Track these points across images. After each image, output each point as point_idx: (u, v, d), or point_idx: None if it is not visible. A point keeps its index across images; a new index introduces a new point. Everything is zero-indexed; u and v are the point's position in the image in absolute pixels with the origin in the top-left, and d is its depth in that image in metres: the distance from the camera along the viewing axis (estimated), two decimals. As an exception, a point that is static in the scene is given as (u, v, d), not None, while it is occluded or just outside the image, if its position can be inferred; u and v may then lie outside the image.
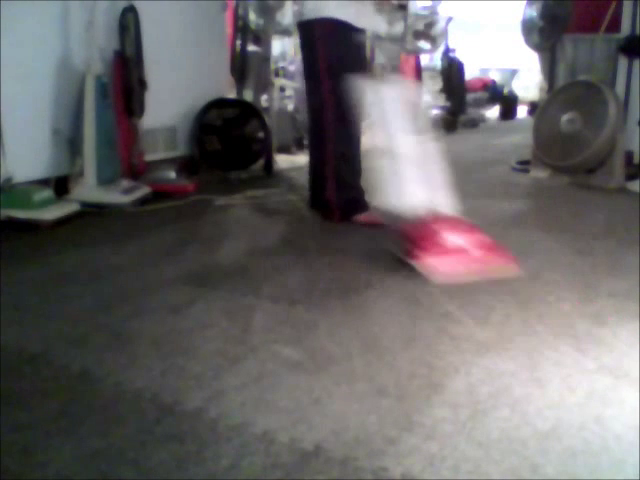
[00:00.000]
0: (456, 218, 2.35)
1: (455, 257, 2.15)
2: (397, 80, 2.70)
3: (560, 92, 4.03)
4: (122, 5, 3.44)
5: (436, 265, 2.12)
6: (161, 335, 1.70)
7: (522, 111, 9.59)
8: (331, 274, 2.23)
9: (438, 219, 2.29)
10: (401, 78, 2.66)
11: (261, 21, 4.72)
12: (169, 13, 3.91)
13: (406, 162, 2.43)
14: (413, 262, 2.17)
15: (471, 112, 8.22)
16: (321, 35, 2.83)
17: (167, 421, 1.28)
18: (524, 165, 4.42)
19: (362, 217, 2.88)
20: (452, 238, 2.18)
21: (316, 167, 3.02)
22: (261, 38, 4.65)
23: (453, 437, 1.22)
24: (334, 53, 2.82)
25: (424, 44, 7.99)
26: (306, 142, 5.06)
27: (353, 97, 2.63)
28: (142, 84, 3.55)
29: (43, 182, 3.13)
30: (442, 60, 7.43)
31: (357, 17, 2.85)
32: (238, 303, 1.95)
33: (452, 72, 7.31)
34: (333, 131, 2.86)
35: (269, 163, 4.26)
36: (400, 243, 2.30)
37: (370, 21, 2.97)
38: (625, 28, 3.91)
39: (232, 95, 4.45)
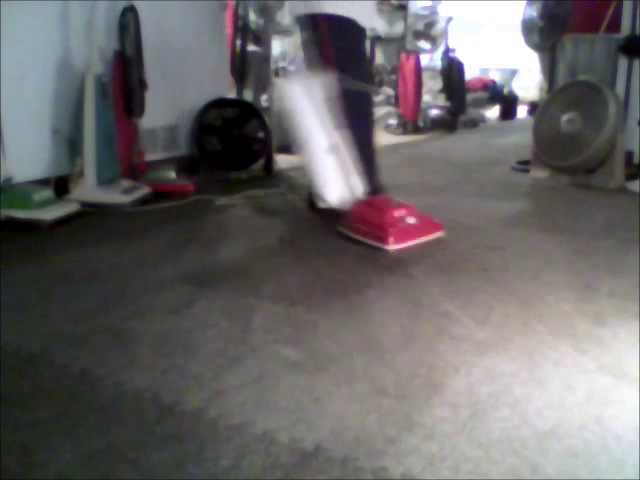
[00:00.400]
0: (388, 197, 2.76)
1: (408, 231, 2.56)
2: (312, 74, 2.75)
3: (560, 92, 4.03)
4: (122, 5, 3.44)
5: (397, 243, 2.50)
6: (161, 335, 1.70)
7: (522, 111, 9.58)
8: (331, 274, 2.23)
9: (377, 200, 2.70)
10: (316, 72, 2.75)
11: (261, 21, 4.72)
12: (169, 13, 3.91)
13: (333, 153, 2.71)
14: (380, 244, 2.49)
15: (471, 112, 8.21)
16: (327, 32, 2.82)
17: (167, 421, 1.28)
18: (524, 165, 4.41)
19: None
20: (401, 216, 2.60)
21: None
22: (261, 38, 4.64)
23: (453, 437, 1.22)
24: (341, 50, 2.82)
25: (424, 44, 7.98)
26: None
27: (278, 94, 2.76)
28: (142, 84, 3.54)
29: (43, 182, 3.13)
30: (442, 60, 7.43)
31: (360, 15, 2.86)
32: (238, 303, 1.95)
33: (452, 72, 7.31)
34: (349, 131, 2.85)
35: (269, 163, 4.26)
36: (352, 226, 2.63)
37: (371, 19, 2.98)
38: (625, 28, 3.91)
39: (232, 95, 4.45)
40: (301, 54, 3.15)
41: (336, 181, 2.66)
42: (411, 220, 2.60)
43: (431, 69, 7.73)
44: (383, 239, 2.50)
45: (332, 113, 2.72)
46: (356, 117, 2.85)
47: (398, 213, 2.60)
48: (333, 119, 2.71)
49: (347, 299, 1.98)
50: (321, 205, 2.70)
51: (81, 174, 3.23)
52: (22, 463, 1.15)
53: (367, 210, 2.62)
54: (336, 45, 2.82)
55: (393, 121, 7.01)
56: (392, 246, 2.48)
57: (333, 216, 2.92)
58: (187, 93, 4.11)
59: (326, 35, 2.82)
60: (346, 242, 2.64)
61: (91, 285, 2.11)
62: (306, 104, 2.71)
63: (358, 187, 2.68)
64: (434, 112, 7.38)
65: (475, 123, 8.07)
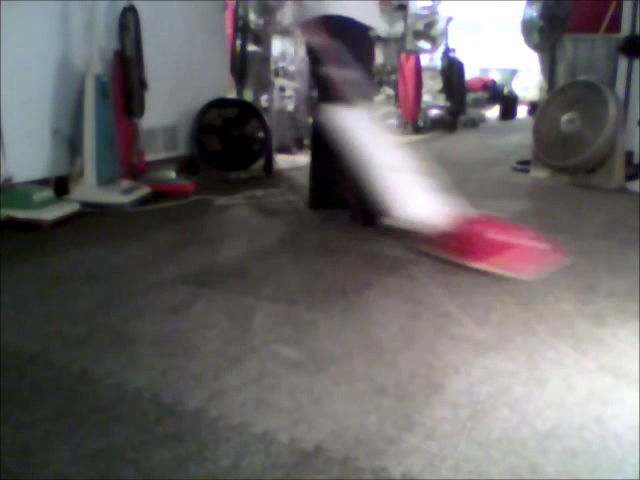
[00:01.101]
0: (493, 217, 2.46)
1: (522, 253, 2.25)
2: (364, 103, 2.72)
3: (560, 92, 4.03)
4: (122, 5, 3.44)
5: (515, 264, 2.20)
6: (161, 335, 1.70)
7: (522, 111, 9.59)
8: (331, 274, 2.23)
9: (480, 220, 2.40)
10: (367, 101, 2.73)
11: (261, 21, 4.73)
12: (169, 13, 3.91)
13: (407, 174, 2.54)
14: (489, 266, 2.22)
15: (471, 112, 8.22)
16: (332, 34, 2.75)
17: (167, 421, 1.28)
18: (524, 165, 4.42)
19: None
20: (513, 238, 2.29)
21: (334, 170, 2.98)
22: (261, 38, 4.65)
23: (453, 437, 1.22)
24: (344, 51, 2.76)
25: (424, 44, 7.99)
26: (307, 142, 5.05)
27: (330, 125, 2.66)
28: (142, 84, 3.54)
29: (43, 182, 3.13)
30: (442, 60, 7.43)
31: (364, 15, 2.83)
32: (238, 303, 1.95)
33: (452, 72, 7.32)
34: None
35: (269, 163, 4.26)
36: (448, 249, 2.36)
37: (375, 19, 2.96)
38: (625, 28, 3.92)
39: (232, 95, 4.45)
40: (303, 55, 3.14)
41: (410, 198, 2.57)
42: (519, 240, 2.29)
43: (431, 69, 7.74)
44: (484, 257, 2.24)
45: (386, 133, 2.68)
46: None
47: (498, 233, 2.31)
48: (389, 138, 2.67)
49: (347, 299, 1.98)
50: (391, 223, 2.63)
51: (81, 174, 3.23)
52: (22, 463, 1.15)
53: (470, 229, 2.36)
54: (338, 47, 2.80)
55: (393, 121, 7.01)
56: (500, 266, 2.20)
57: (330, 217, 2.93)
58: (187, 93, 4.11)
59: (328, 37, 2.80)
60: (346, 242, 2.64)
61: (91, 285, 2.11)
62: (362, 126, 2.64)
63: (431, 204, 2.51)
64: (434, 112, 7.38)
65: (475, 123, 8.08)
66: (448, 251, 2.35)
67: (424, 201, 2.48)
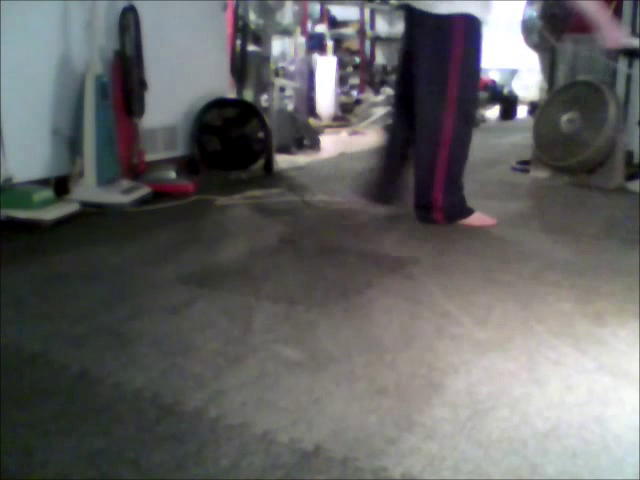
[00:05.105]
0: None
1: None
2: None
3: (560, 92, 4.03)
4: (122, 5, 3.44)
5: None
6: (161, 335, 1.70)
7: (522, 111, 9.58)
8: (331, 274, 2.23)
9: None
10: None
11: (261, 21, 4.72)
12: (169, 13, 3.91)
13: None
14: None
15: (471, 112, 8.20)
16: (460, 34, 2.62)
17: (167, 421, 1.28)
18: (524, 165, 4.41)
19: (472, 220, 2.90)
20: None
21: (420, 168, 2.97)
22: (261, 38, 4.65)
23: (453, 437, 1.22)
24: (470, 54, 2.68)
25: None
26: (307, 142, 5.06)
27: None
28: (142, 84, 3.54)
29: (43, 182, 3.13)
30: (442, 60, 7.42)
31: (484, 10, 2.68)
32: (238, 303, 1.95)
33: (452, 72, 7.31)
34: (453, 133, 2.81)
35: (269, 163, 4.26)
36: None
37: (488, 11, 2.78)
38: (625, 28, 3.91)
39: (232, 95, 4.45)
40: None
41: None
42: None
43: (431, 69, 7.72)
44: None
45: None
46: None
47: None
48: None
49: (347, 299, 1.98)
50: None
51: (81, 174, 3.23)
52: (22, 463, 1.15)
53: None
54: (469, 50, 2.66)
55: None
56: None
57: (330, 217, 2.93)
58: (187, 93, 4.10)
59: (459, 39, 2.63)
60: (346, 242, 2.64)
61: (91, 285, 2.11)
62: None
63: None
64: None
65: (475, 123, 8.07)
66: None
67: None
